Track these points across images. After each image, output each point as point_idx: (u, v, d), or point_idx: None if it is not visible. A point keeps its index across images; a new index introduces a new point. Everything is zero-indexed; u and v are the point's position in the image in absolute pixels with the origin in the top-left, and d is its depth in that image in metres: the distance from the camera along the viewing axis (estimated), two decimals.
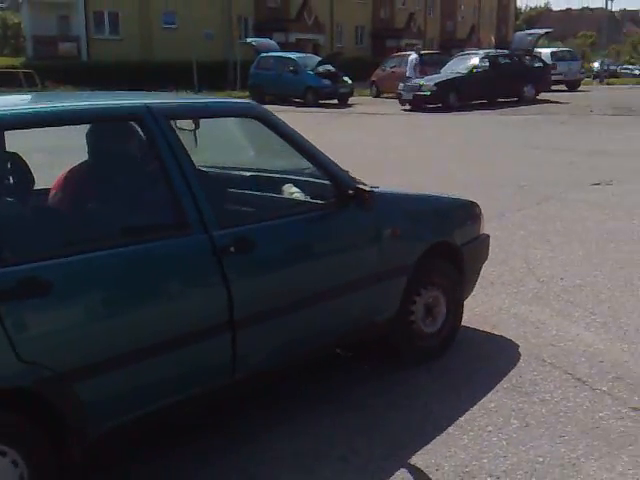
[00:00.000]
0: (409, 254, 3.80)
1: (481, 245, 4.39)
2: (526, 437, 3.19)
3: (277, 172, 3.99)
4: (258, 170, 4.12)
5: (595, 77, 41.81)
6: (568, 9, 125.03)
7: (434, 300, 4.00)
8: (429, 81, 21.91)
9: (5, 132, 2.83)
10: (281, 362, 3.32)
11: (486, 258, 4.51)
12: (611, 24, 69.62)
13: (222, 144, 4.61)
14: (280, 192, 3.60)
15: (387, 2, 50.49)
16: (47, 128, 2.72)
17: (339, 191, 3.42)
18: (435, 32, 56.63)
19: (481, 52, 25.31)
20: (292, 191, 3.53)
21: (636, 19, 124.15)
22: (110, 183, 3.11)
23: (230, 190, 3.72)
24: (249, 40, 30.17)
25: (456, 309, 4.15)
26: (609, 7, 52.58)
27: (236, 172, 4.08)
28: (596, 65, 46.49)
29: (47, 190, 3.13)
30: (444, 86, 21.64)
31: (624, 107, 20.76)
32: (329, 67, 25.57)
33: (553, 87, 26.34)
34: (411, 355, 3.94)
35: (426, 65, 25.42)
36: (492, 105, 22.22)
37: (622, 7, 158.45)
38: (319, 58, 27.49)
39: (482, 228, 4.41)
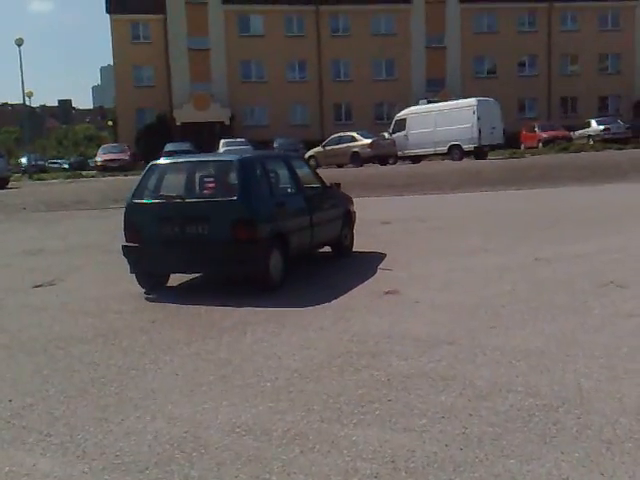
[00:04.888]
0: (341, 210, 10.26)
1: (355, 212, 10.80)
2: None
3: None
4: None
5: (25, 173, 41.77)
6: None
7: (346, 231, 10.30)
8: None
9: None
10: (319, 241, 9.56)
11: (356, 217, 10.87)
12: (33, 119, 70.29)
13: None
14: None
15: None
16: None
17: (324, 184, 10.10)
18: None
19: None
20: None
21: (56, 115, 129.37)
22: None
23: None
24: None
25: (352, 236, 10.59)
26: (28, 103, 53.17)
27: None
28: (24, 161, 46.36)
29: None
30: None
31: (57, 202, 21.07)
32: None
33: None
34: (342, 252, 10.20)
35: None
36: None
37: (42, 103, 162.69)
38: None
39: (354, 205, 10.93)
